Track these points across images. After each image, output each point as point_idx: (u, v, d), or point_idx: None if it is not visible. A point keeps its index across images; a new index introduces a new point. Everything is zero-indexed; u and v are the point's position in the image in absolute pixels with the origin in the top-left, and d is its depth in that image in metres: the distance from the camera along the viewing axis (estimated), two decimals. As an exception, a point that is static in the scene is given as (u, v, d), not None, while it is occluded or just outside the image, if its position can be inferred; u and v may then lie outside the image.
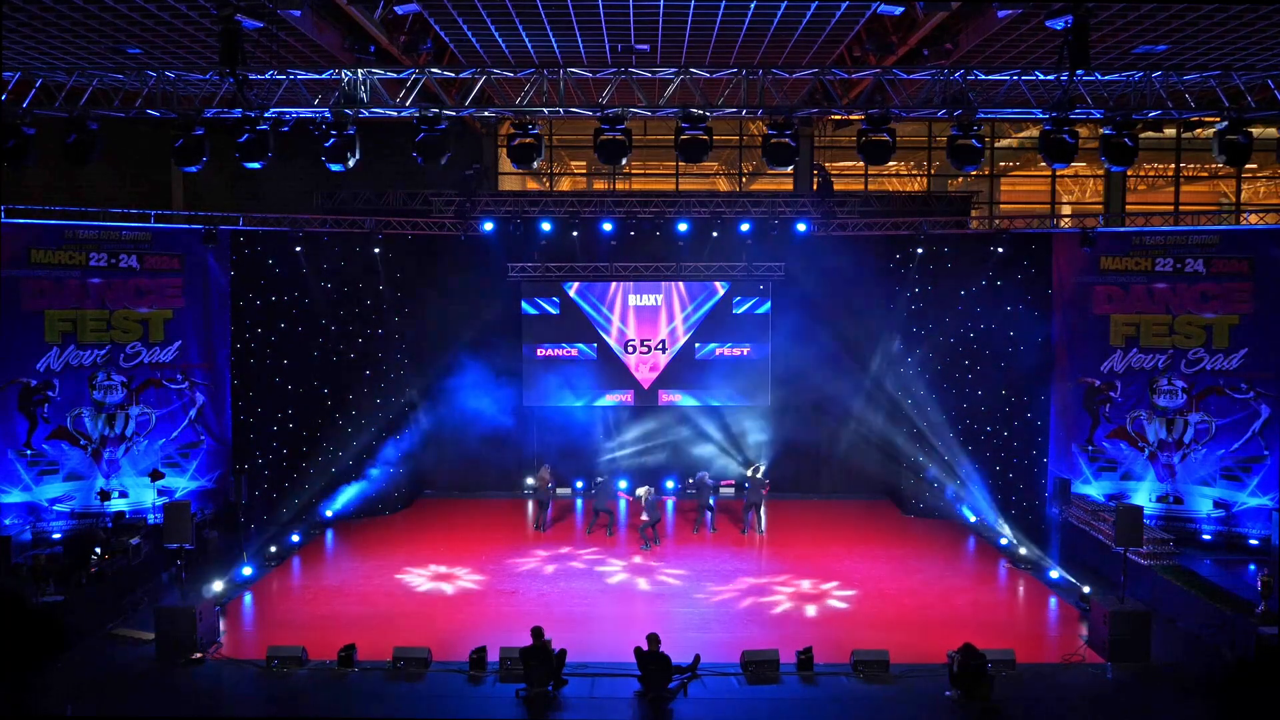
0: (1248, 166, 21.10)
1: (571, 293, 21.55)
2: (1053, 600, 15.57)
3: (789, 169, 16.21)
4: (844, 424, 21.62)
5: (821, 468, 22.23)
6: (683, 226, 19.44)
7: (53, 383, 17.59)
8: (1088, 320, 18.71)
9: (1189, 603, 14.16)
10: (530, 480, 19.75)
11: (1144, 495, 18.04)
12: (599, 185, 23.73)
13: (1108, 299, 18.59)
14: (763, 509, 19.15)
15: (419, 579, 16.40)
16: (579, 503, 21.24)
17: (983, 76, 12.77)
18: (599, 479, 19.69)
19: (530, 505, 19.98)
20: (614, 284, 21.48)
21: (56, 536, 16.95)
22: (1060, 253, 18.89)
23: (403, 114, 12.80)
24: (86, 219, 17.86)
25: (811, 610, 15.02)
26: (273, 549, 17.35)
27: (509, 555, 17.66)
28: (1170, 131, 21.21)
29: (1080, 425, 18.84)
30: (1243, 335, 17.78)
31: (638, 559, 17.48)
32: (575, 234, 19.73)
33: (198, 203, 20.57)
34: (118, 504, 17.76)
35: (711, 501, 19.78)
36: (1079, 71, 10.95)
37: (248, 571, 16.38)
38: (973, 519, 19.35)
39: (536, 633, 12.19)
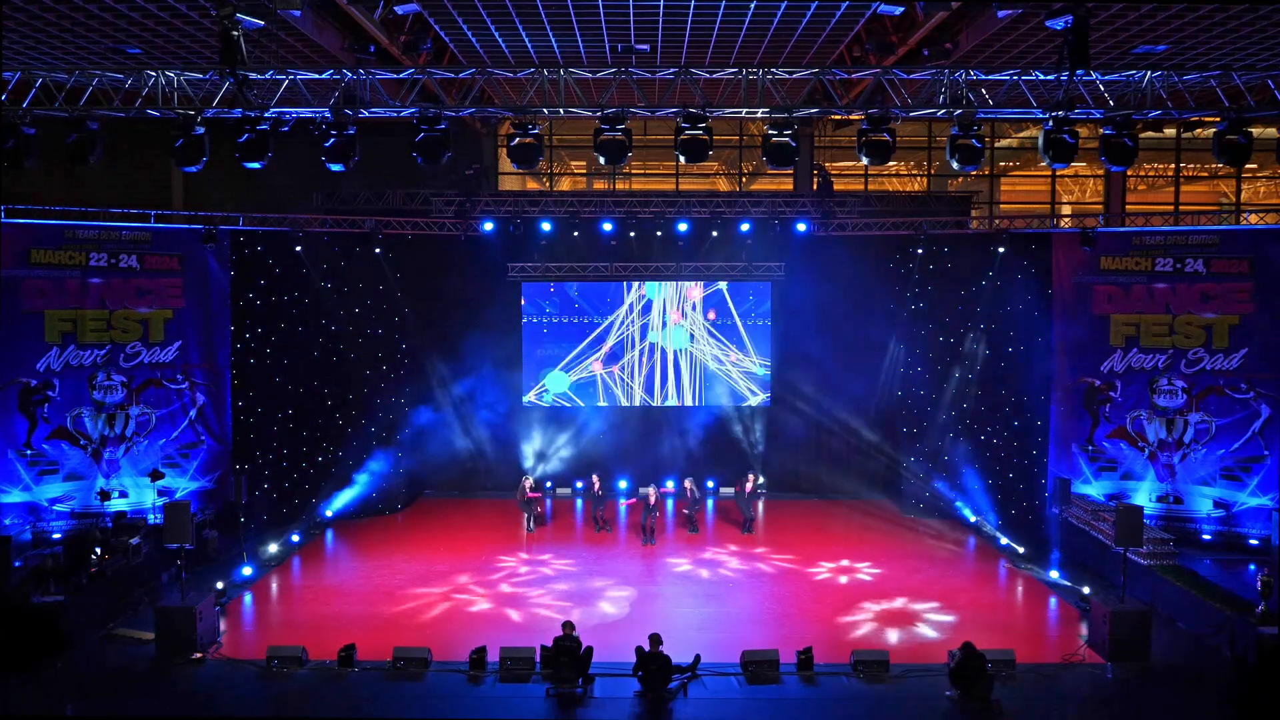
0: (1248, 166, 21.12)
1: (571, 293, 21.56)
2: (1053, 600, 15.56)
3: (789, 169, 16.22)
4: (844, 423, 21.60)
5: (821, 467, 22.23)
6: (683, 226, 19.45)
7: (53, 383, 17.59)
8: (1088, 320, 18.70)
9: (1189, 603, 14.16)
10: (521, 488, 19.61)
11: (1144, 495, 18.03)
12: (599, 185, 23.73)
13: (1108, 299, 18.58)
14: (759, 505, 19.18)
15: (419, 579, 16.37)
16: (579, 503, 21.23)
17: (983, 76, 12.76)
18: (598, 479, 19.66)
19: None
20: (614, 284, 21.48)
21: (56, 536, 16.93)
22: (1060, 253, 18.87)
23: (403, 114, 12.80)
24: (86, 219, 17.86)
25: (811, 610, 15.01)
26: (273, 549, 17.35)
27: (509, 555, 17.65)
28: (1170, 131, 21.22)
29: (1080, 425, 18.83)
30: (1243, 335, 17.78)
31: (637, 562, 17.50)
32: (575, 234, 19.72)
33: (198, 203, 20.57)
34: (118, 504, 17.75)
35: (710, 503, 19.79)
36: (1079, 71, 10.96)
37: (248, 571, 16.38)
38: (973, 519, 19.35)
39: (568, 626, 12.26)
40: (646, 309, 21.66)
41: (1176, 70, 13.12)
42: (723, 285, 21.48)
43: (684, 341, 21.71)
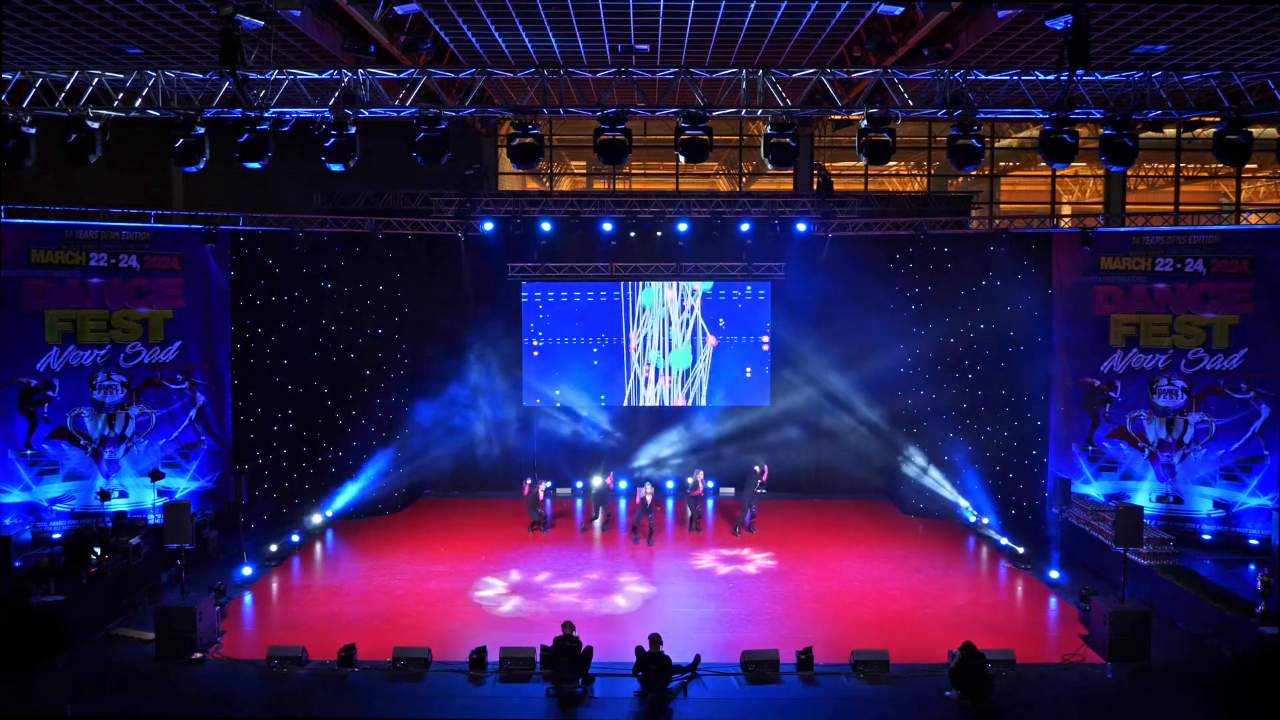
0: (1248, 166, 21.13)
1: (571, 293, 21.54)
2: (1053, 600, 15.57)
3: (789, 169, 16.23)
4: (844, 424, 21.59)
5: (821, 468, 22.22)
6: (683, 226, 19.47)
7: (53, 383, 17.60)
8: (1088, 320, 18.71)
9: (1189, 603, 14.15)
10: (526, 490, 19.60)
11: (1144, 495, 18.04)
12: (599, 185, 23.74)
13: (1108, 299, 18.59)
14: (754, 506, 19.19)
15: (419, 579, 16.38)
16: (579, 503, 21.24)
17: (983, 76, 12.76)
18: (598, 478, 19.67)
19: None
20: (614, 284, 21.48)
21: (56, 536, 16.93)
22: (1060, 253, 18.89)
23: (403, 114, 12.80)
24: (86, 219, 17.87)
25: (811, 610, 15.02)
26: (273, 549, 17.34)
27: (509, 555, 17.65)
28: (1170, 131, 21.23)
29: (1080, 425, 18.84)
30: (1243, 335, 17.78)
31: (635, 563, 17.50)
32: (575, 234, 19.73)
33: (198, 203, 20.57)
34: (118, 504, 17.76)
35: (710, 503, 19.77)
36: (1079, 71, 10.95)
37: (248, 571, 16.38)
38: (973, 519, 19.36)
39: (568, 626, 12.28)
40: (646, 309, 21.66)
41: (1176, 70, 13.13)
42: (723, 285, 21.46)
43: (683, 342, 21.70)
